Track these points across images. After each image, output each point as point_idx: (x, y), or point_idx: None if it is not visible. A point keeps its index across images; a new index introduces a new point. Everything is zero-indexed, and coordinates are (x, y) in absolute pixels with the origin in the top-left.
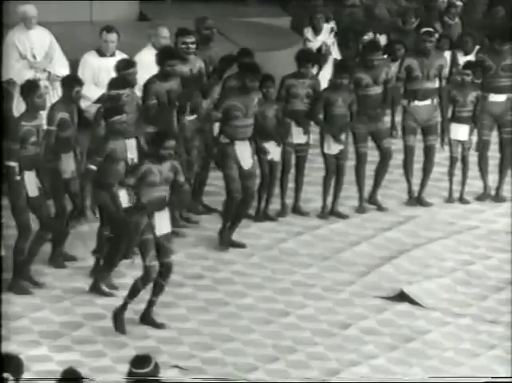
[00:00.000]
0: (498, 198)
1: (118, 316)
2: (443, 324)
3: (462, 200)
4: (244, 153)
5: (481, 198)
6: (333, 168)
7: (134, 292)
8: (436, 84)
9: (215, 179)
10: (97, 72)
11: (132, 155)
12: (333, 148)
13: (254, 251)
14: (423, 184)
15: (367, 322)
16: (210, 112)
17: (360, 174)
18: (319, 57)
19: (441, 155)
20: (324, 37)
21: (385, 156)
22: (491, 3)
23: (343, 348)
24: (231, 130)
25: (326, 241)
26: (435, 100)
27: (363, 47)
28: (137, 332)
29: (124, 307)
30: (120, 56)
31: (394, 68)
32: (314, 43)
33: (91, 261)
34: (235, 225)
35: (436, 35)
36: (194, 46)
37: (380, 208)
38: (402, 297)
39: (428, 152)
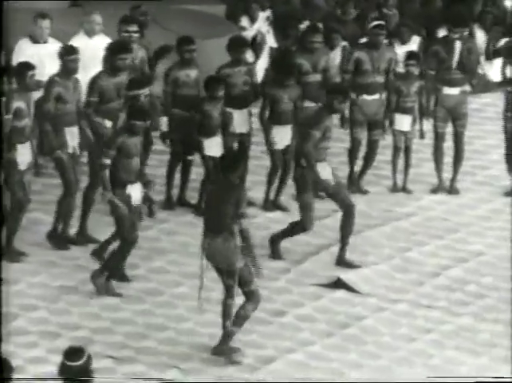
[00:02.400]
0: (452, 190)
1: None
2: (380, 310)
3: (404, 189)
4: (324, 171)
5: (436, 190)
6: (279, 163)
7: (242, 320)
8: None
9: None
10: (31, 59)
11: (74, 143)
12: (280, 144)
13: (192, 241)
14: (362, 173)
15: (303, 310)
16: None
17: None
18: (252, 41)
19: (380, 144)
20: (260, 26)
21: None
22: None
23: (279, 335)
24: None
25: (262, 230)
26: (383, 95)
27: (302, 32)
28: (70, 323)
29: (230, 337)
30: (54, 43)
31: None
32: (249, 31)
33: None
34: (345, 244)
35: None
36: (136, 35)
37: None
38: (338, 284)
39: (372, 146)
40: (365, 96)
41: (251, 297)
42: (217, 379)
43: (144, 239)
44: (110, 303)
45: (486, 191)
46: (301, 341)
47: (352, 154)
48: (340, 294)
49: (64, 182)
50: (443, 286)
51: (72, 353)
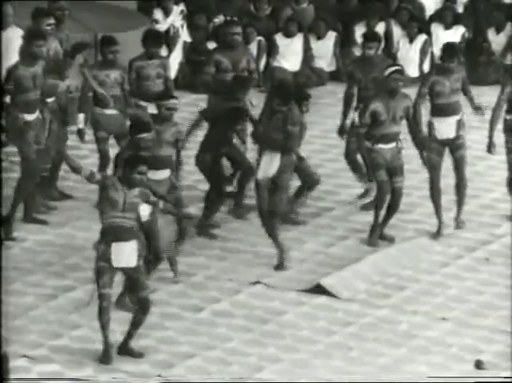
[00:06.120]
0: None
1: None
2: (299, 304)
3: None
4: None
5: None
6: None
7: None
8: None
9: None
10: None
11: None
12: None
13: None
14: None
15: (220, 305)
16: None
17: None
18: (165, 35)
19: None
20: (174, 19)
21: None
22: None
23: (195, 331)
24: None
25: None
26: (399, 143)
27: (218, 26)
28: None
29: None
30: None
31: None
32: (163, 25)
33: None
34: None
35: None
36: (53, 28)
37: None
38: (257, 279)
39: (396, 193)
40: (381, 145)
41: None
42: (130, 376)
43: (59, 236)
44: (26, 302)
45: None
46: (219, 337)
47: (379, 201)
48: (259, 288)
49: None
50: (364, 276)
51: None
